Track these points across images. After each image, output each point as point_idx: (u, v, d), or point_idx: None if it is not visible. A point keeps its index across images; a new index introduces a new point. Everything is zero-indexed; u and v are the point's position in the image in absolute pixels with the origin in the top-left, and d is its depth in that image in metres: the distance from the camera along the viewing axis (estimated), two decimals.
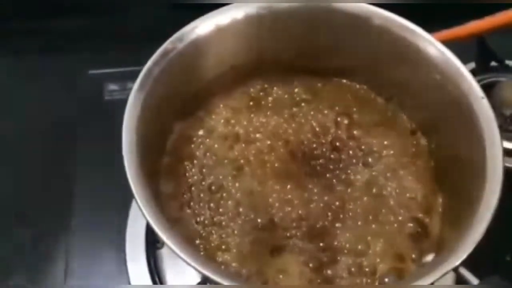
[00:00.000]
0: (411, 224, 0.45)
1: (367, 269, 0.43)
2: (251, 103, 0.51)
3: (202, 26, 0.46)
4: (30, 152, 0.62)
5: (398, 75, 0.49)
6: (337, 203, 0.45)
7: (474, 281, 0.37)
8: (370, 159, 0.48)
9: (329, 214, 0.45)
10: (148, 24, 0.71)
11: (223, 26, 0.47)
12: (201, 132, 0.49)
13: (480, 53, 0.64)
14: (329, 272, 0.42)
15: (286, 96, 0.52)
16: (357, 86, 0.52)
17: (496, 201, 0.38)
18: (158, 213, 0.38)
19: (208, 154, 0.48)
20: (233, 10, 0.47)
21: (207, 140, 0.49)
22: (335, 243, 0.44)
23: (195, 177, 0.46)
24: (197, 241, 0.43)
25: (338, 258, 0.43)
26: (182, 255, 0.35)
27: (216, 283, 0.35)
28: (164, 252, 0.52)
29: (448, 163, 0.46)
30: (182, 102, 0.48)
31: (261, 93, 0.51)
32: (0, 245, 0.57)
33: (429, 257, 0.43)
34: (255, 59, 0.50)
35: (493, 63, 0.64)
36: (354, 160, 0.48)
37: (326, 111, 0.51)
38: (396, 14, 0.47)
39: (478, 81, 0.44)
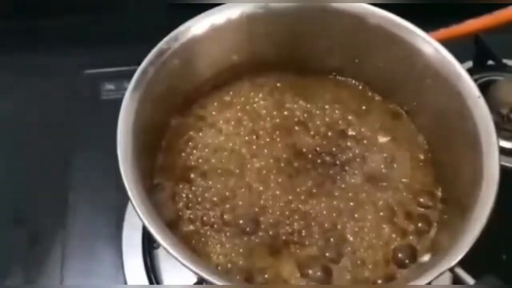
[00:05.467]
0: (410, 222, 0.45)
1: (366, 266, 0.43)
2: (246, 101, 0.51)
3: (197, 26, 0.46)
4: (27, 151, 0.62)
5: (394, 74, 0.49)
6: (334, 202, 0.45)
7: (470, 281, 0.37)
8: (367, 156, 0.48)
9: (327, 212, 0.45)
10: (144, 23, 0.71)
11: (218, 26, 0.47)
12: (196, 131, 0.49)
13: (477, 52, 0.64)
14: (328, 270, 0.42)
15: (282, 94, 0.51)
16: (354, 83, 0.52)
17: (493, 201, 0.38)
18: (154, 214, 0.38)
19: (204, 152, 0.48)
20: (229, 10, 0.47)
21: (203, 138, 0.48)
22: (334, 241, 0.44)
23: (191, 176, 0.46)
24: (193, 242, 0.43)
25: (337, 256, 0.43)
26: (177, 256, 0.35)
27: (212, 283, 0.35)
28: (160, 252, 0.53)
29: (445, 161, 0.46)
30: (178, 101, 0.48)
31: (257, 92, 0.51)
32: None
33: (426, 257, 0.43)
34: (251, 58, 0.50)
35: (490, 62, 0.64)
36: (351, 158, 0.48)
37: (323, 109, 0.51)
38: (393, 14, 0.47)
39: (475, 80, 0.44)
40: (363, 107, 0.51)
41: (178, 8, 0.59)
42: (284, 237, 0.44)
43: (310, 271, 0.42)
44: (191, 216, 0.44)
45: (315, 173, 0.47)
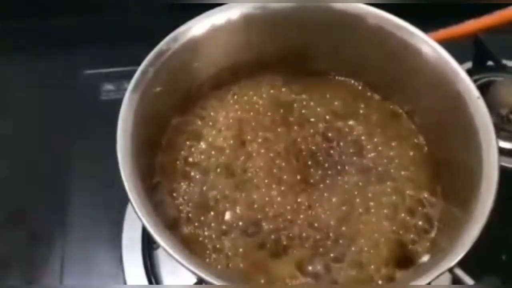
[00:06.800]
0: (411, 222, 0.45)
1: (367, 266, 0.43)
2: (246, 101, 0.51)
3: (197, 26, 0.46)
4: (28, 151, 0.62)
5: (394, 74, 0.49)
6: (335, 201, 0.45)
7: (470, 281, 0.37)
8: (367, 156, 0.48)
9: (328, 212, 0.45)
10: (144, 24, 0.71)
11: (218, 26, 0.47)
12: (196, 130, 0.49)
13: (476, 53, 0.64)
14: (329, 269, 0.42)
15: (281, 94, 0.51)
16: (353, 83, 0.52)
17: (492, 201, 0.38)
18: (153, 214, 0.38)
19: (204, 152, 0.48)
20: (229, 10, 0.47)
21: (203, 138, 0.48)
22: (335, 241, 0.44)
23: (191, 175, 0.46)
24: (193, 242, 0.43)
25: (338, 256, 0.43)
26: (176, 256, 0.35)
27: (211, 284, 0.35)
28: (160, 253, 0.52)
29: (445, 162, 0.46)
30: (178, 101, 0.48)
31: (257, 92, 0.51)
32: None
33: (425, 258, 0.43)
34: (250, 58, 0.50)
35: (490, 63, 0.64)
36: (351, 158, 0.48)
37: (323, 108, 0.51)
38: (392, 14, 0.47)
39: (474, 81, 0.45)
40: (363, 107, 0.51)
41: (178, 8, 0.59)
42: (285, 237, 0.43)
43: (310, 268, 0.42)
44: (190, 215, 0.44)
45: (316, 173, 0.47)
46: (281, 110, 0.50)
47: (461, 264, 0.36)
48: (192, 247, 0.42)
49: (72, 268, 0.54)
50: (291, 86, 0.52)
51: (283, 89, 0.52)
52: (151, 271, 0.51)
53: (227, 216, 0.44)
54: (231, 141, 0.48)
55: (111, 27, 0.71)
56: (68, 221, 0.57)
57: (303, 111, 0.50)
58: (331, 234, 0.44)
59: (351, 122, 0.50)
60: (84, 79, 0.68)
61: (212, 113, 0.50)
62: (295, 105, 0.51)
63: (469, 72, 0.45)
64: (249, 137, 0.49)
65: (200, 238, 0.43)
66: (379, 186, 0.46)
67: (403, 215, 0.45)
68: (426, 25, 0.47)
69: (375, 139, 0.49)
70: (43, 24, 0.71)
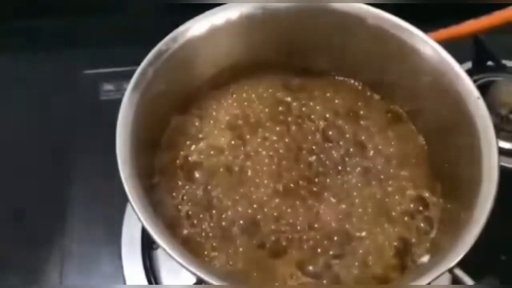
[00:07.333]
0: (411, 223, 0.45)
1: (367, 266, 0.43)
2: (246, 101, 0.51)
3: (196, 27, 0.46)
4: (27, 151, 0.62)
5: (393, 74, 0.49)
6: (336, 201, 0.45)
7: (470, 281, 0.37)
8: (367, 156, 0.48)
9: (328, 212, 0.45)
10: (144, 24, 0.71)
11: (217, 26, 0.47)
12: (196, 130, 0.49)
13: (476, 53, 0.64)
14: (329, 268, 0.42)
15: (281, 94, 0.51)
16: (353, 83, 0.52)
17: (492, 202, 0.38)
18: (152, 214, 0.38)
19: (203, 151, 0.48)
20: (228, 10, 0.47)
21: (202, 137, 0.48)
22: (335, 241, 0.43)
23: (190, 175, 0.46)
24: (192, 241, 0.43)
25: (338, 256, 0.43)
26: (176, 257, 0.35)
27: (210, 284, 0.35)
28: (160, 253, 0.52)
29: (445, 162, 0.46)
30: (177, 101, 0.48)
31: (256, 92, 0.51)
32: None
33: (425, 258, 0.43)
34: (250, 58, 0.50)
35: (490, 63, 0.65)
36: (351, 158, 0.48)
37: (322, 108, 0.51)
38: (392, 14, 0.47)
39: (474, 81, 0.45)
40: (363, 107, 0.51)
41: (178, 8, 0.59)
42: (284, 237, 0.43)
43: (311, 268, 0.42)
44: (190, 215, 0.44)
45: (316, 172, 0.47)
46: (281, 110, 0.50)
47: (461, 264, 0.36)
48: (191, 247, 0.42)
49: (72, 268, 0.54)
50: (290, 86, 0.52)
51: (283, 89, 0.52)
52: (151, 271, 0.51)
53: (227, 215, 0.44)
54: (231, 141, 0.48)
55: (111, 27, 0.71)
56: (68, 221, 0.57)
57: (303, 109, 0.50)
58: (331, 234, 0.44)
59: (351, 122, 0.50)
60: (84, 79, 0.68)
61: (211, 113, 0.50)
62: (295, 104, 0.51)
63: (469, 72, 0.45)
64: (248, 137, 0.49)
65: (200, 238, 0.43)
66: (379, 186, 0.46)
67: (403, 215, 0.45)
68: (426, 25, 0.47)
69: (375, 139, 0.49)
70: (43, 24, 0.71)
